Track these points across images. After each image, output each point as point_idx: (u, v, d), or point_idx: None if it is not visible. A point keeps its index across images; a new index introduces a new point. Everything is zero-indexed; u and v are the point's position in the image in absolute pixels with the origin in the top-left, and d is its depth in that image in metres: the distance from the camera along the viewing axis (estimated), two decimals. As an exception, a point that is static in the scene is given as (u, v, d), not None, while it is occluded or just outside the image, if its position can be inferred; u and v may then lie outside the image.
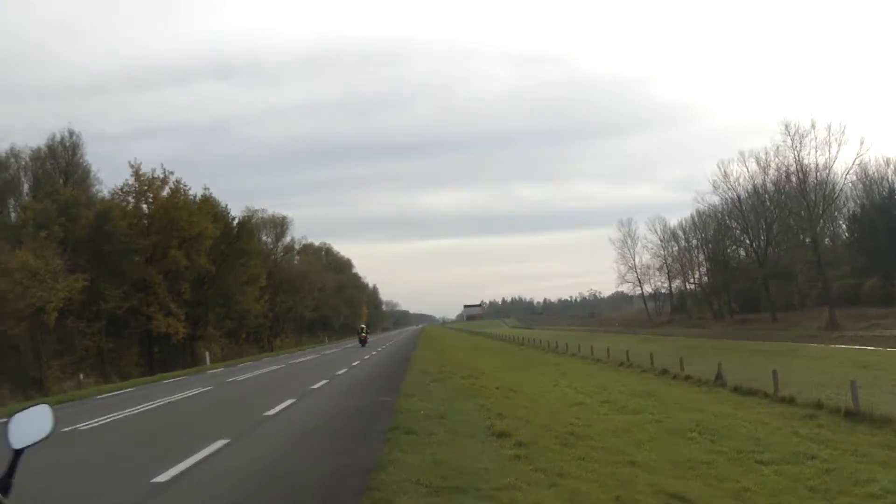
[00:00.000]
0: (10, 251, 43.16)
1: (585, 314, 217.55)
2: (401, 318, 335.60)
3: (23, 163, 61.63)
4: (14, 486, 2.63)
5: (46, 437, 2.97)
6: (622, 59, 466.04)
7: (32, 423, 3.00)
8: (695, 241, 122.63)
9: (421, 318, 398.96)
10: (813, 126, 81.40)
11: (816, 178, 79.09)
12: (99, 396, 29.54)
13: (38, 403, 3.28)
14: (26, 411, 3.06)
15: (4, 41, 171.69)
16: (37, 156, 62.62)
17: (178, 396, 25.57)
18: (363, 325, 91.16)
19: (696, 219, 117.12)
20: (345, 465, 10.64)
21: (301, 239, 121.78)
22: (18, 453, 2.81)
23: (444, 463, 10.09)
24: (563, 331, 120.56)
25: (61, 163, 64.68)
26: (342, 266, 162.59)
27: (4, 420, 3.00)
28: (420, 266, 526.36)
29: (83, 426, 18.28)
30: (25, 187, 61.63)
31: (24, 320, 42.80)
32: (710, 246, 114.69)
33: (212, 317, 69.39)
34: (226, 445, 13.07)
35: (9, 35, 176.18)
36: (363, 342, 75.88)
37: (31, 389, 40.94)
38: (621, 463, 12.35)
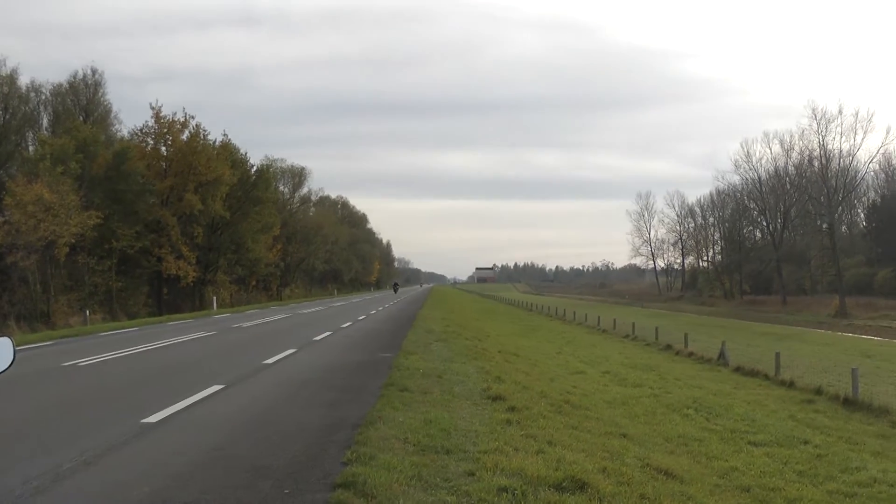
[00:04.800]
0: (26, 184, 43.20)
1: (597, 284, 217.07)
2: (412, 276, 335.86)
3: (43, 97, 61.27)
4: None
5: (6, 370, 2.94)
6: (649, 31, 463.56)
7: None
8: (711, 220, 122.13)
9: (432, 277, 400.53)
10: (840, 112, 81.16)
11: (839, 164, 78.47)
12: (103, 333, 29.74)
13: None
14: None
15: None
16: (57, 91, 62.25)
17: (181, 339, 25.67)
18: (396, 282, 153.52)
19: (714, 197, 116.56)
20: (336, 419, 10.62)
21: (318, 191, 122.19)
22: None
23: (435, 423, 10.05)
24: (573, 299, 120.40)
25: (82, 100, 64.33)
26: (357, 220, 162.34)
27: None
28: (434, 226, 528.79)
29: (82, 362, 18.40)
30: (45, 122, 61.42)
31: (35, 253, 42.88)
32: (726, 225, 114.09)
33: (223, 262, 69.48)
34: (220, 391, 13.13)
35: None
36: (395, 289, 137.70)
37: (37, 322, 41.17)
38: (613, 434, 12.31)
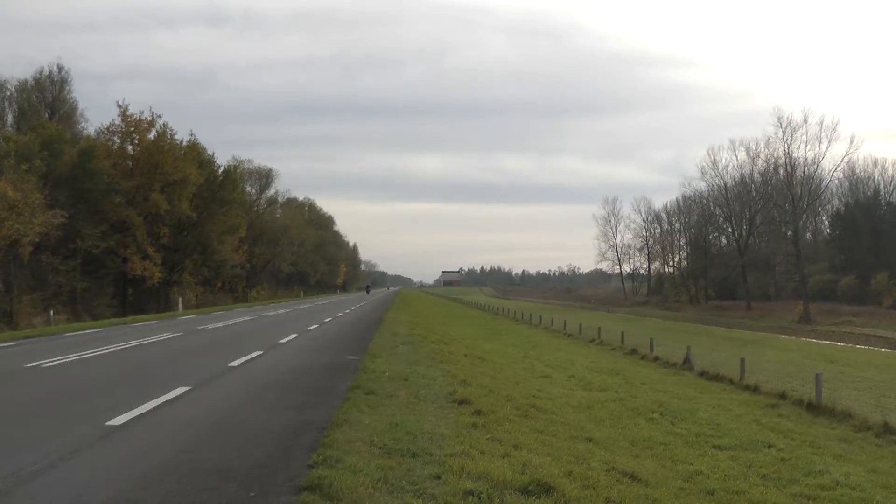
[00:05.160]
0: (-11, 182, 42.67)
1: (563, 288, 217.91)
2: (378, 279, 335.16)
3: (7, 93, 60.78)
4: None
5: None
6: (619, 37, 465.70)
7: None
8: (678, 225, 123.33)
9: (398, 280, 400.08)
10: (805, 120, 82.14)
11: (804, 172, 79.61)
12: (67, 334, 29.45)
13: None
14: None
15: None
16: (23, 88, 61.73)
17: (146, 341, 25.48)
18: (368, 284, 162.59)
19: (681, 203, 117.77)
20: (302, 421, 10.58)
21: (285, 192, 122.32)
22: None
23: (401, 426, 10.05)
24: (539, 303, 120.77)
25: (48, 97, 63.88)
26: (324, 222, 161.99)
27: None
28: (401, 228, 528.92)
29: (46, 363, 18.20)
30: (9, 118, 60.86)
31: (-2, 252, 42.44)
32: (692, 231, 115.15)
33: (188, 263, 69.06)
34: (185, 393, 13.03)
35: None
36: (367, 290, 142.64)
37: (-1, 322, 40.74)
38: (578, 438, 12.37)
